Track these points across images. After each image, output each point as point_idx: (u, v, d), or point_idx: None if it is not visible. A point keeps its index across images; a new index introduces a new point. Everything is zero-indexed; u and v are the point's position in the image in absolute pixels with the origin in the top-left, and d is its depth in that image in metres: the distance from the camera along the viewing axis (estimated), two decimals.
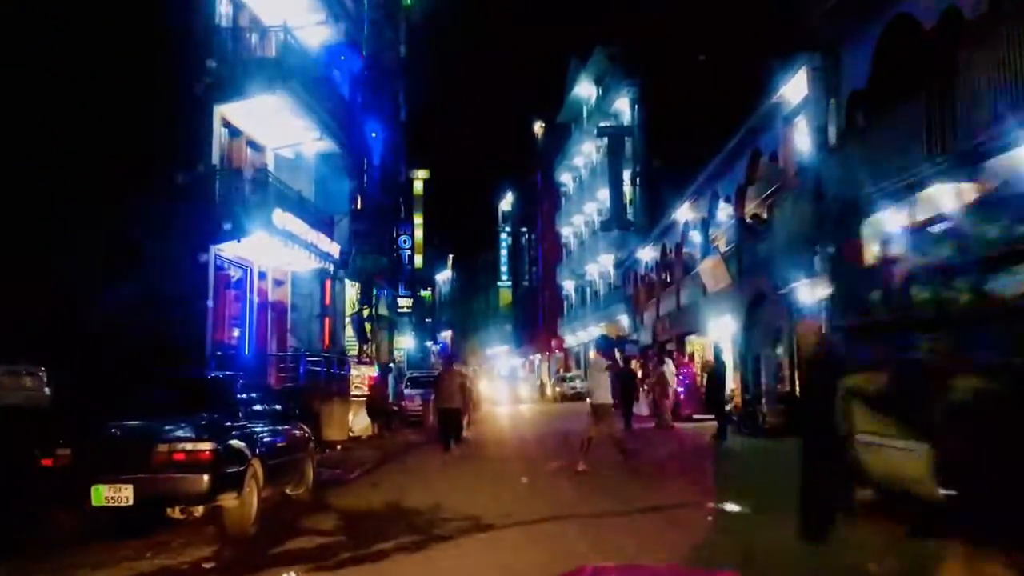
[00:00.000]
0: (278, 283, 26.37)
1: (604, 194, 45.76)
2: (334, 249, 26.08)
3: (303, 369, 21.70)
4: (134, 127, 19.36)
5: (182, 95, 20.49)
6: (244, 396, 9.38)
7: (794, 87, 16.32)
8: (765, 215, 21.06)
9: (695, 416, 24.07)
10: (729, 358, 24.13)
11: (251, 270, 23.87)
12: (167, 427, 7.75)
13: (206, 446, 7.53)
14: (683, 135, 34.08)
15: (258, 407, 9.59)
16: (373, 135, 36.36)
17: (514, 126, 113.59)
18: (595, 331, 50.25)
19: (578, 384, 47.40)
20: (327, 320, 29.36)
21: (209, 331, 20.93)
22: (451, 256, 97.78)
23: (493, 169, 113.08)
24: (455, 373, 19.56)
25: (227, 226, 20.73)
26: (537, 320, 64.90)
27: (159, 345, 18.65)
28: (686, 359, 26.17)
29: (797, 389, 17.37)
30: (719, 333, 24.04)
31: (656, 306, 33.42)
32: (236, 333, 22.64)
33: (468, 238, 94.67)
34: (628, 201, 42.55)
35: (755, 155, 19.94)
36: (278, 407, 10.05)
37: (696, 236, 28.80)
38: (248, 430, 8.58)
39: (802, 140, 17.24)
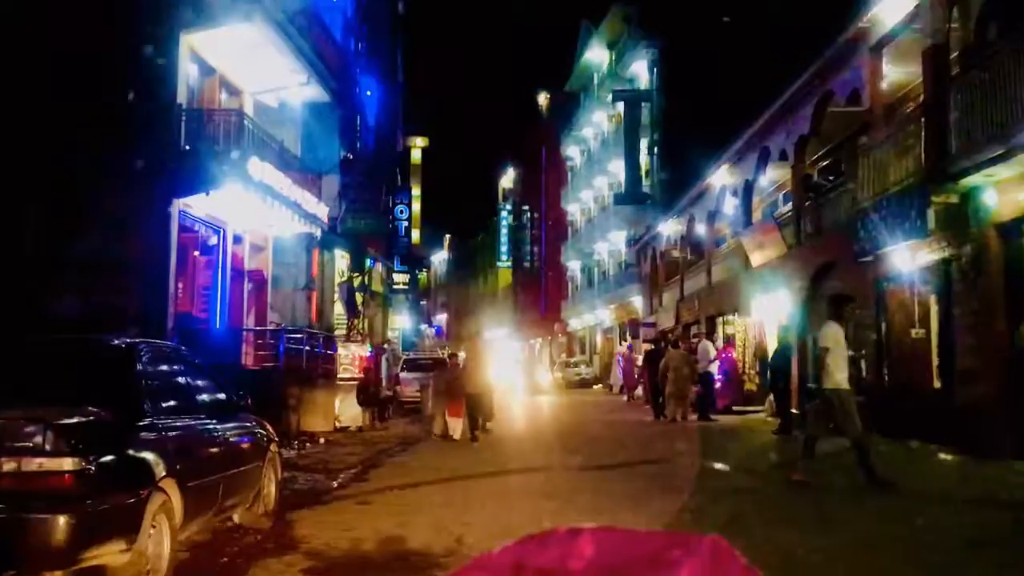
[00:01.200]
0: (257, 249, 23.06)
1: (617, 166, 42.53)
2: (321, 211, 22.77)
3: (282, 348, 18.39)
4: (81, 49, 16.07)
5: (141, 16, 17.22)
6: (164, 376, 6.06)
7: (893, 2, 13.01)
8: (831, 171, 17.81)
9: (735, 408, 20.89)
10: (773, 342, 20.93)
11: (224, 232, 20.56)
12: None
13: (65, 464, 4.25)
14: (711, 96, 30.85)
15: (186, 394, 6.26)
16: (368, 93, 32.94)
17: (516, 99, 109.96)
18: (603, 314, 47.18)
19: (583, 370, 44.21)
20: (314, 294, 26.02)
21: (170, 302, 17.66)
22: (448, 236, 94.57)
23: (493, 144, 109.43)
24: (481, 353, 16.72)
25: (194, 176, 17.55)
26: (539, 303, 61.66)
27: (104, 317, 15.46)
28: (721, 343, 22.91)
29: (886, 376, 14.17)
30: (766, 312, 20.81)
31: (680, 285, 30.17)
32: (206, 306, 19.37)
33: (466, 217, 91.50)
34: (644, 172, 39.25)
35: (825, 99, 16.65)
36: (221, 396, 6.73)
37: (733, 204, 25.52)
38: (161, 432, 5.29)
39: (902, 70, 13.97)
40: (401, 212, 35.36)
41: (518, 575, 1.45)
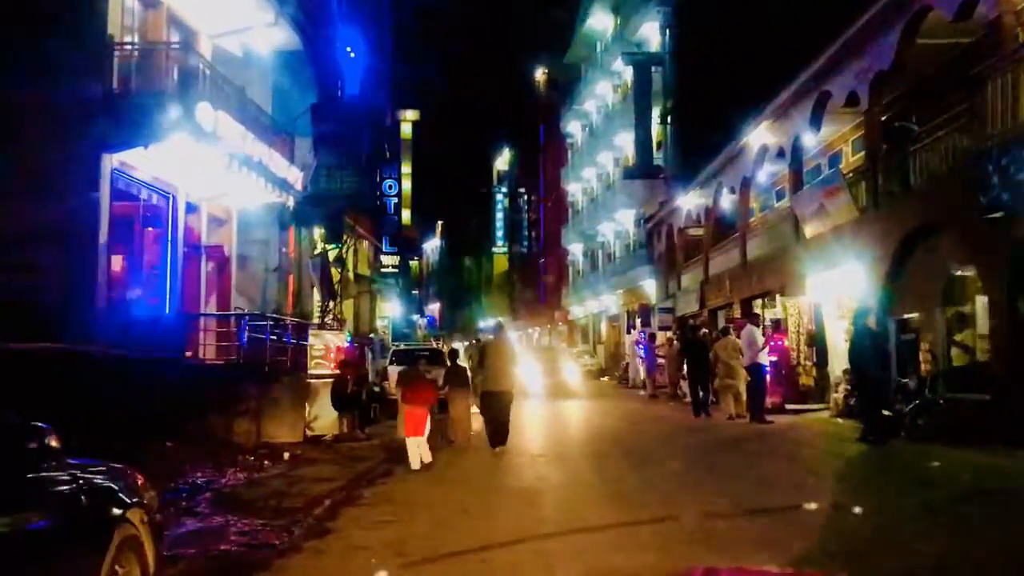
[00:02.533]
0: (218, 223, 19.52)
1: (624, 139, 39.13)
2: (293, 177, 19.27)
3: (244, 339, 14.92)
4: None
5: None
6: None
7: None
8: (918, 114, 14.38)
9: (787, 405, 17.52)
10: (833, 326, 17.57)
11: (175, 199, 17.04)
12: None
13: None
14: (737, 53, 27.43)
15: None
16: (350, 51, 29.37)
17: (511, 76, 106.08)
18: (609, 300, 43.77)
19: (587, 360, 40.71)
20: (290, 278, 22.46)
21: (101, 284, 14.18)
22: (440, 223, 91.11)
23: (487, 125, 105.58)
24: (506, 343, 13.76)
25: (128, 124, 14.12)
26: (538, 289, 58.22)
27: (10, 306, 12.06)
28: (768, 329, 19.47)
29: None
30: (825, 291, 17.43)
31: (704, 265, 26.75)
32: (140, 291, 15.86)
33: (459, 203, 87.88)
34: (656, 144, 35.81)
35: (915, 20, 13.23)
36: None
37: (774, 168, 22.14)
38: None
39: None
40: (390, 188, 31.91)
41: None
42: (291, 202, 19.55)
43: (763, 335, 16.36)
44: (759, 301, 22.55)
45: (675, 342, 25.18)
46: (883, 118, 15.26)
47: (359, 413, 13.82)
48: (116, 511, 3.82)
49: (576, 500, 8.36)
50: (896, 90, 15.44)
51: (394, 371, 20.85)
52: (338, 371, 13.71)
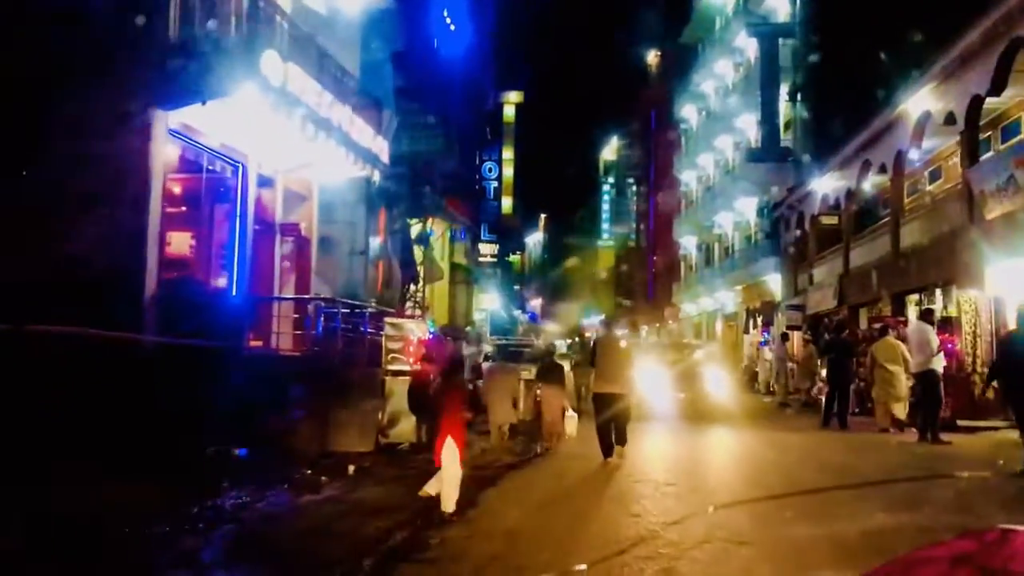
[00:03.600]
0: (298, 199, 17.52)
1: (746, 121, 35.90)
2: (380, 147, 17.18)
3: (320, 328, 12.88)
4: None
5: None
6: None
7: None
8: None
9: (959, 421, 14.37)
10: None
11: (245, 169, 15.05)
12: None
13: None
14: (881, 12, 24.00)
15: None
16: (449, 22, 27.26)
17: (621, 61, 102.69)
18: (726, 297, 40.53)
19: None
20: (380, 263, 20.39)
21: (151, 260, 12.28)
22: (544, 216, 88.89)
23: (595, 113, 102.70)
24: (617, 340, 11.76)
25: (183, 76, 12.23)
26: (647, 285, 55.20)
27: (60, 277, 10.40)
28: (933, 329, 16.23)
29: None
30: (1010, 283, 14.21)
31: (843, 256, 23.51)
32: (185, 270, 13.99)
33: (564, 196, 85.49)
34: (784, 124, 32.49)
35: None
36: None
37: (930, 143, 18.89)
38: None
39: None
40: (490, 171, 29.71)
41: (959, 570, 1.43)
42: (377, 177, 17.47)
43: (936, 336, 13.27)
44: (915, 296, 19.33)
45: (809, 343, 22.16)
46: None
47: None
48: None
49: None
50: None
51: (487, 368, 18.64)
52: (419, 367, 11.45)
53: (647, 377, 14.51)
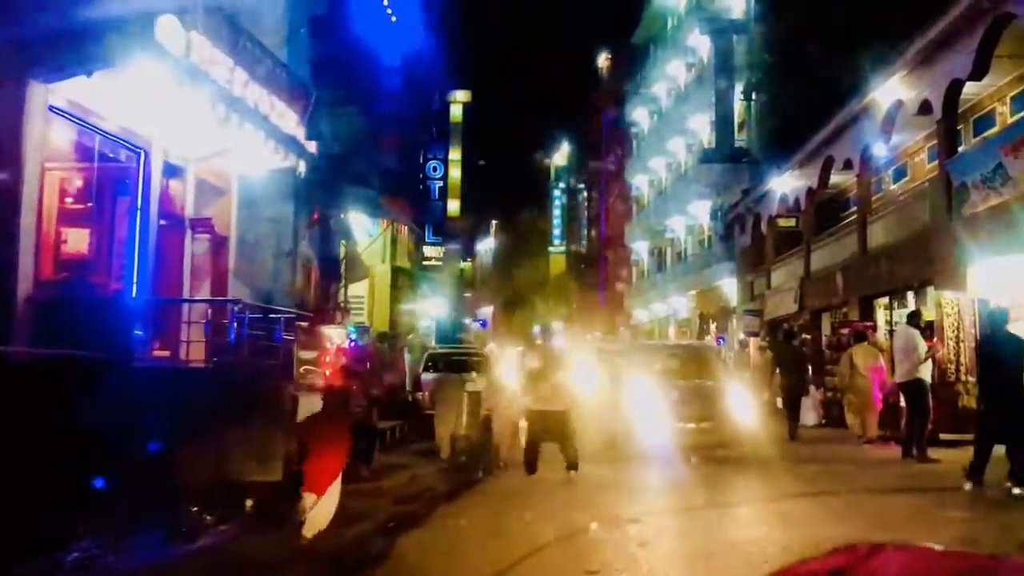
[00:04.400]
0: (214, 192, 15.75)
1: (699, 122, 34.89)
2: (301, 134, 15.50)
3: (233, 334, 11.17)
4: None
5: None
6: None
7: None
8: None
9: (942, 435, 13.12)
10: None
11: (147, 157, 13.33)
12: None
13: None
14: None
15: None
16: (391, 15, 25.61)
17: (570, 67, 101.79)
18: (679, 303, 39.40)
19: None
20: (312, 266, 18.62)
21: (24, 261, 10.44)
22: (494, 222, 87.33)
23: (544, 119, 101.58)
24: (556, 350, 11.33)
25: (64, 40, 10.55)
26: (598, 291, 53.99)
27: None
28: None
29: None
30: (995, 283, 13.02)
31: (804, 258, 22.34)
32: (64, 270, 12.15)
33: (514, 201, 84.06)
34: (738, 123, 31.43)
35: None
36: None
37: (898, 138, 17.77)
38: None
39: None
40: (434, 170, 28.08)
41: None
42: (303, 168, 15.74)
43: (923, 341, 11.97)
44: (883, 300, 18.16)
45: (766, 350, 20.96)
46: None
47: (366, 443, 9.83)
48: None
49: None
50: None
51: (430, 378, 17.01)
52: (333, 379, 9.80)
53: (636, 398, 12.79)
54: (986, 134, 15.44)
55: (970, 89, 14.93)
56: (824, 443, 14.65)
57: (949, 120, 14.63)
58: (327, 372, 10.06)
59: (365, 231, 21.32)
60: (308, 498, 7.04)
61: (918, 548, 1.60)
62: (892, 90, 16.36)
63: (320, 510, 6.90)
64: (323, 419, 7.65)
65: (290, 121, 14.64)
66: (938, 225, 14.58)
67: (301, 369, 10.33)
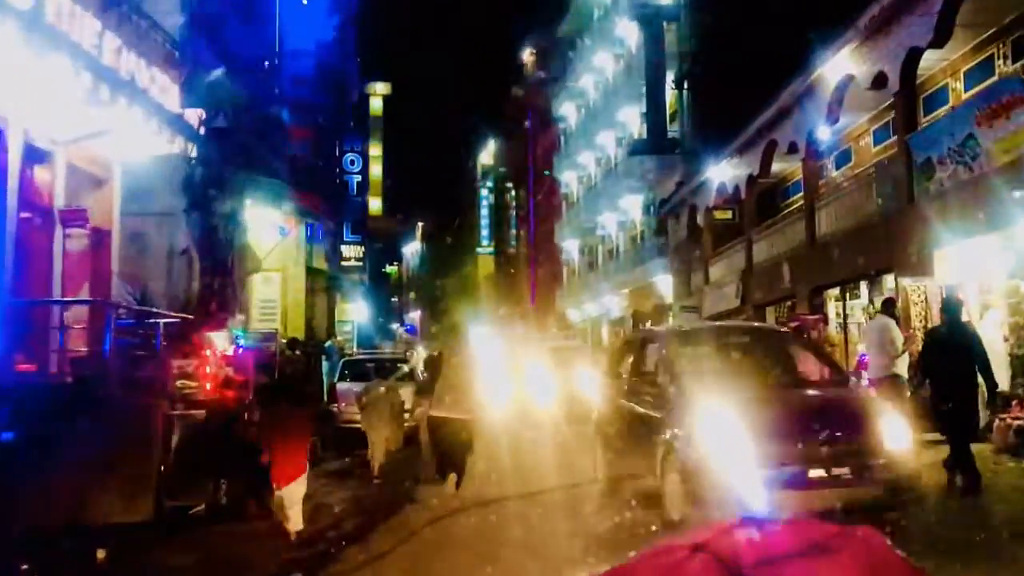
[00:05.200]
0: (91, 183, 13.80)
1: (628, 114, 33.84)
2: (194, 115, 13.68)
3: (107, 342, 9.28)
4: None
5: None
6: None
7: None
8: None
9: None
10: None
11: (2, 137, 11.36)
12: None
13: None
14: None
15: None
16: None
17: (495, 62, 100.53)
18: (612, 302, 38.27)
19: None
20: (192, 260, 16.62)
21: None
22: (420, 225, 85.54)
23: (470, 117, 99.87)
24: (465, 354, 10.51)
25: None
26: (528, 292, 52.65)
27: None
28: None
29: None
30: (966, 269, 11.94)
31: (746, 251, 21.24)
32: None
33: (440, 203, 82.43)
34: (670, 114, 30.34)
35: None
36: None
37: (845, 119, 16.69)
38: None
39: None
40: (352, 163, 26.22)
41: (695, 557, 1.54)
42: (195, 153, 13.80)
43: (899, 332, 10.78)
44: (834, 291, 17.08)
45: None
46: None
47: (253, 475, 7.99)
48: None
49: None
50: None
51: (346, 388, 15.28)
52: (217, 397, 8.00)
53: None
54: (924, 120, 14.44)
55: (921, 64, 13.91)
56: None
57: (907, 92, 13.53)
58: (207, 385, 8.27)
59: (274, 228, 19.43)
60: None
61: (779, 520, 1.59)
62: (841, 64, 15.24)
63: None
64: (284, 413, 6.28)
65: (174, 98, 12.82)
66: (898, 207, 13.46)
67: (178, 382, 8.51)
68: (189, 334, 8.59)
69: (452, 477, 9.68)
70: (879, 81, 14.19)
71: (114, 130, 11.79)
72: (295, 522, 6.93)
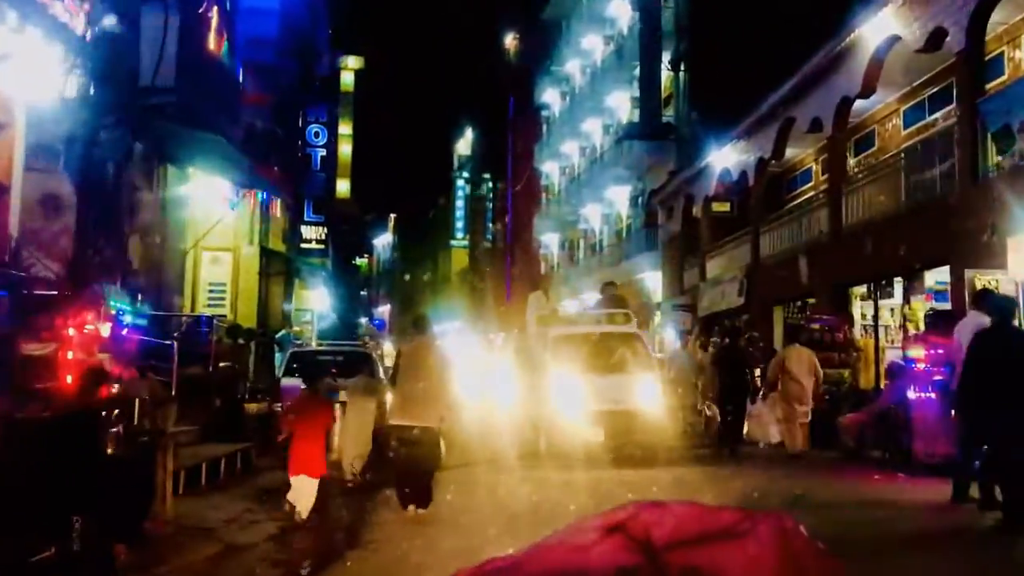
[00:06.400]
0: None
1: (617, 99, 31.77)
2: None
3: None
4: None
5: None
6: None
7: None
8: None
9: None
10: None
11: None
12: None
13: None
14: None
15: None
16: None
17: (476, 48, 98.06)
18: (591, 299, 36.04)
19: None
20: (63, 208, 13.92)
21: None
22: (393, 216, 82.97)
23: (447, 104, 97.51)
24: (429, 352, 8.37)
25: None
26: (505, 288, 50.34)
27: None
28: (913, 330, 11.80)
29: None
30: None
31: (751, 244, 19.08)
32: None
33: (414, 193, 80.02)
34: (664, 98, 28.15)
35: None
36: None
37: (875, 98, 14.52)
38: None
39: None
40: (316, 135, 23.75)
41: (610, 537, 1.64)
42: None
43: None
44: (860, 289, 14.95)
45: (709, 349, 17.57)
46: None
47: (134, 500, 5.54)
48: None
49: None
50: None
51: (291, 384, 12.82)
52: (78, 394, 5.61)
53: None
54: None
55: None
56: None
57: (974, 52, 11.36)
58: (67, 378, 5.84)
59: (225, 200, 16.98)
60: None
61: (689, 504, 1.67)
62: (885, 23, 13.06)
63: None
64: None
65: (80, 22, 10.38)
66: (960, 186, 11.29)
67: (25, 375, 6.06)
68: (50, 307, 6.18)
69: (411, 508, 7.59)
70: (932, 42, 12.01)
71: (12, 58, 9.34)
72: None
